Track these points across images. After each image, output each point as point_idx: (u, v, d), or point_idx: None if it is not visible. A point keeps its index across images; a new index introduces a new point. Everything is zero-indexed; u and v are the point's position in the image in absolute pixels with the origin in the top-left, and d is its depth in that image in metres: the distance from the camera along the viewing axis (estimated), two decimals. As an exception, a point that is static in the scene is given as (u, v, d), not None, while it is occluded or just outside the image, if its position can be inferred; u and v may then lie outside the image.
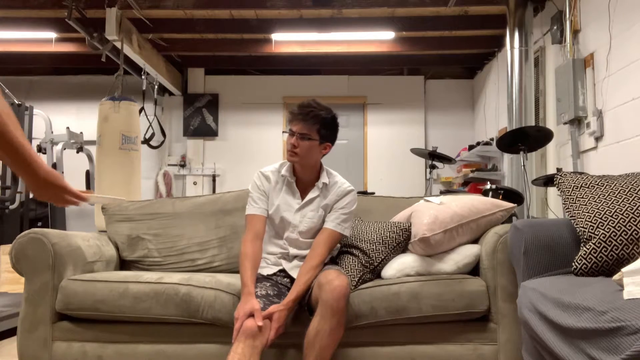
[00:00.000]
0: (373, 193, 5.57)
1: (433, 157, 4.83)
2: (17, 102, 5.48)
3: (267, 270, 2.16)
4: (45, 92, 7.20)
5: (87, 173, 6.16)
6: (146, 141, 5.97)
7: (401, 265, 2.19)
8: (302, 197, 2.22)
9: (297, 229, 2.19)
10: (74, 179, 6.29)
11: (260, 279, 2.10)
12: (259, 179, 2.25)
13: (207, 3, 5.11)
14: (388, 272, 2.19)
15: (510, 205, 2.33)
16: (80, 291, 2.12)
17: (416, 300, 2.04)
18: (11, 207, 5.00)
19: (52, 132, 5.90)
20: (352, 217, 2.21)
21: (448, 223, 2.18)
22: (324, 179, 2.22)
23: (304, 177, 2.23)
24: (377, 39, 6.13)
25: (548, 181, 3.60)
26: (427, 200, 2.38)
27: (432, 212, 2.22)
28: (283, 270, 2.16)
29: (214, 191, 7.13)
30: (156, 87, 6.44)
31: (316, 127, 2.12)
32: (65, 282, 2.15)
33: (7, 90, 5.59)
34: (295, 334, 1.95)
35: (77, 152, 6.05)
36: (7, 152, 1.31)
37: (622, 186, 1.88)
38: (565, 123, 4.06)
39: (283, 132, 2.20)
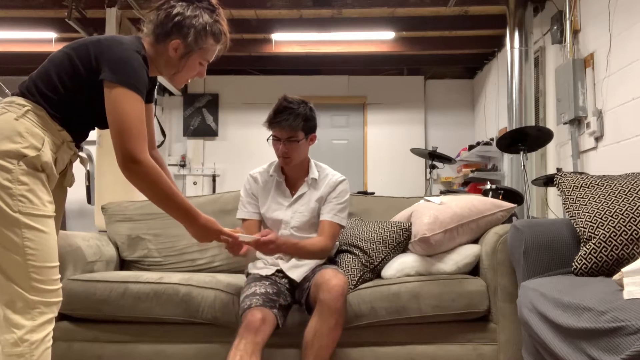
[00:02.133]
0: (373, 193, 5.57)
1: (433, 157, 4.82)
2: (17, 102, 5.48)
3: (265, 270, 2.16)
4: (45, 92, 7.19)
5: (87, 173, 6.16)
6: (146, 141, 5.96)
7: (401, 265, 2.19)
8: (292, 194, 2.22)
9: (289, 225, 2.19)
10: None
11: (258, 278, 2.10)
12: (248, 182, 2.27)
13: (207, 3, 5.10)
14: (388, 272, 2.19)
15: (510, 205, 2.33)
16: (80, 291, 2.12)
17: (416, 300, 2.04)
18: (11, 207, 4.99)
19: (52, 132, 5.91)
20: (347, 207, 2.20)
21: (448, 223, 2.18)
22: (312, 174, 2.22)
23: (292, 174, 2.24)
24: (377, 39, 6.13)
25: (548, 181, 3.60)
26: (427, 200, 2.38)
27: (432, 212, 2.22)
28: (280, 271, 2.16)
29: (214, 191, 7.13)
30: (156, 87, 6.43)
31: (300, 125, 2.10)
32: (65, 282, 2.15)
33: (7, 90, 5.59)
34: (295, 334, 1.95)
35: (77, 152, 6.04)
36: (179, 215, 1.63)
37: (622, 186, 1.88)
38: (565, 123, 4.06)
39: (267, 139, 2.16)
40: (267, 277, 2.12)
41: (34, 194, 1.44)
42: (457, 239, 2.21)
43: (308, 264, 2.14)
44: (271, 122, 2.12)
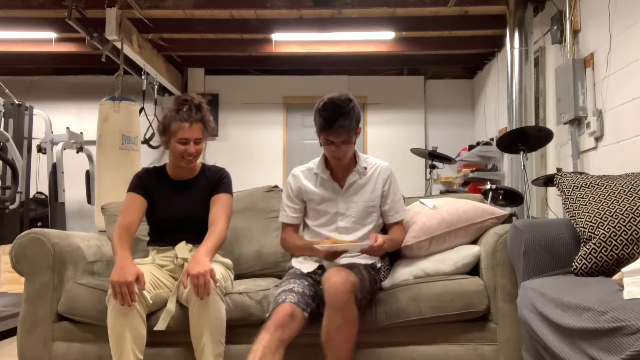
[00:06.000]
0: (373, 193, 5.56)
1: (433, 157, 4.83)
2: (17, 102, 5.48)
3: (306, 267, 2.10)
4: (45, 92, 7.20)
5: (87, 173, 6.16)
6: (146, 141, 5.96)
7: (399, 266, 2.19)
8: (342, 185, 2.19)
9: (346, 215, 2.17)
10: (74, 179, 6.30)
11: (299, 275, 2.05)
12: (291, 182, 2.24)
13: (207, 3, 5.11)
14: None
15: (503, 212, 2.31)
16: (87, 297, 2.10)
17: (415, 303, 2.04)
18: (11, 207, 5.00)
19: (52, 132, 5.90)
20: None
21: (435, 230, 2.18)
22: (362, 163, 2.21)
23: (339, 167, 2.20)
24: (377, 39, 6.13)
25: (548, 181, 3.60)
26: (422, 203, 2.37)
27: (421, 217, 2.22)
28: (321, 267, 2.10)
29: (214, 191, 7.12)
30: (156, 87, 6.43)
31: (353, 126, 2.05)
32: (70, 285, 2.14)
33: (7, 90, 5.59)
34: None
35: (77, 152, 6.04)
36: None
37: (622, 186, 1.88)
38: (565, 123, 4.06)
39: (321, 145, 2.17)
40: (307, 275, 2.06)
41: None
42: (445, 244, 2.22)
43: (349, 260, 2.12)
44: (326, 130, 2.04)
